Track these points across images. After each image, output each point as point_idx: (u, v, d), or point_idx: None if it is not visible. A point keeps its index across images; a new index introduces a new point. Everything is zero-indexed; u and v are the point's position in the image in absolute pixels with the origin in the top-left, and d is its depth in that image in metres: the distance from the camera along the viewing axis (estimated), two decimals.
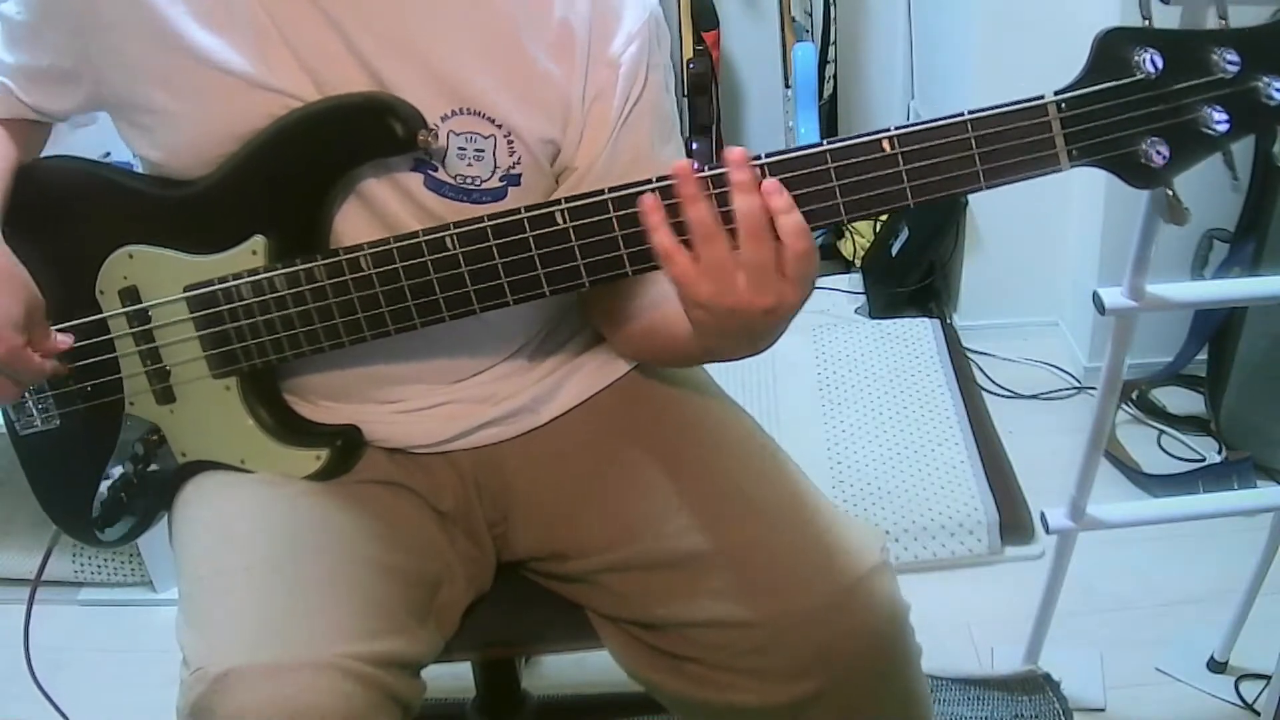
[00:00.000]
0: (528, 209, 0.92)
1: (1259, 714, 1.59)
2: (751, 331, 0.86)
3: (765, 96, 2.96)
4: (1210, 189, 2.05)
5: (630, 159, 1.00)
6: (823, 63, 2.79)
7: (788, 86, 2.81)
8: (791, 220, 0.81)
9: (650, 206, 0.84)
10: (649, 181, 0.88)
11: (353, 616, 0.93)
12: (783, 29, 2.79)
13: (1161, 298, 1.29)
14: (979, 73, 2.33)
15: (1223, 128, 0.80)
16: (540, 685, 1.67)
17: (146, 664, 1.79)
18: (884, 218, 2.70)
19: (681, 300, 0.86)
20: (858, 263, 2.75)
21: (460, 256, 0.94)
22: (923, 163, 0.84)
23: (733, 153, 0.83)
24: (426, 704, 0.98)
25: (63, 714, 1.36)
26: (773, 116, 2.95)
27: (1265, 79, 0.78)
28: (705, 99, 2.73)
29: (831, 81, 2.85)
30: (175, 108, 0.97)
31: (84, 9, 0.97)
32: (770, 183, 0.82)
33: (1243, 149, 1.98)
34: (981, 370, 2.42)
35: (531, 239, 0.92)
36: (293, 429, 1.07)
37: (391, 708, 0.92)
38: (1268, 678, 1.55)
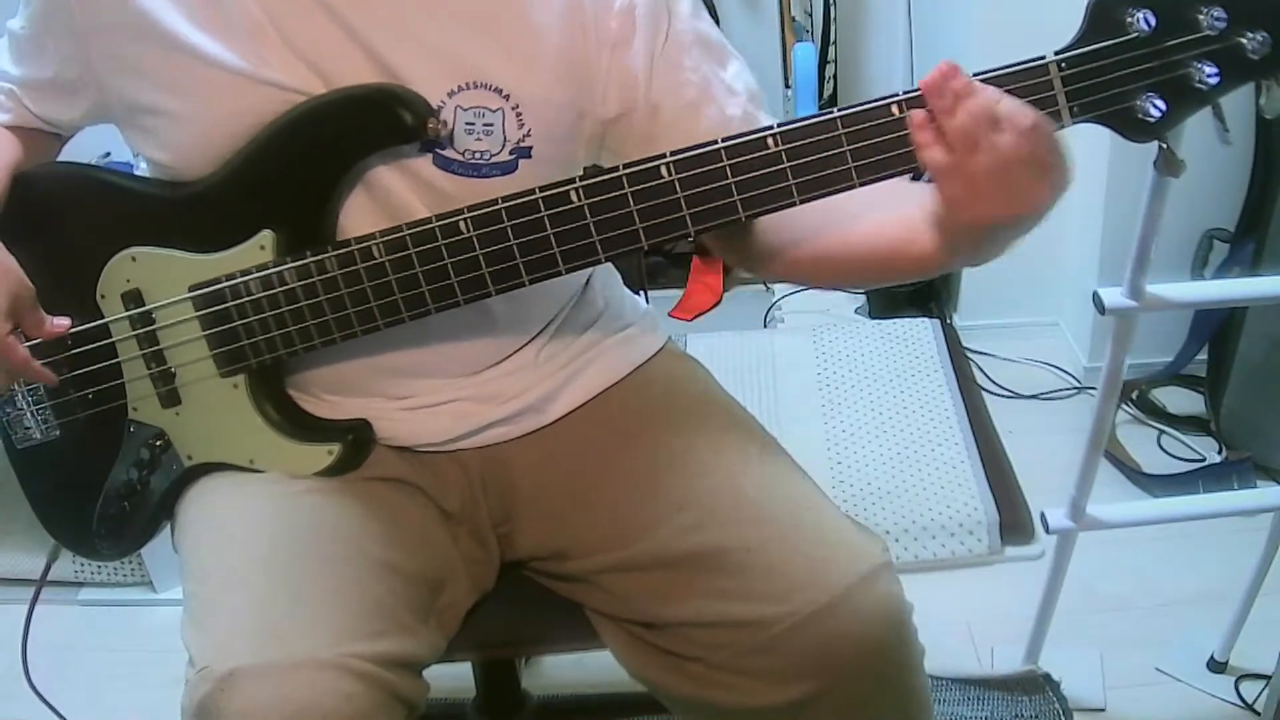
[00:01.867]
0: (542, 189, 0.92)
1: (1259, 714, 1.59)
2: (1024, 230, 0.87)
3: (765, 96, 2.96)
4: (1210, 189, 2.06)
5: (692, 92, 1.00)
6: (823, 63, 2.79)
7: (788, 86, 2.81)
8: (1008, 105, 0.81)
9: (919, 123, 0.84)
10: (662, 156, 0.90)
11: (357, 616, 0.93)
12: (783, 29, 2.78)
13: (1161, 298, 1.29)
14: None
15: (1213, 81, 0.82)
16: (540, 685, 1.67)
17: (146, 664, 1.79)
18: None
19: (962, 226, 0.86)
20: None
21: (475, 239, 0.94)
22: None
23: (945, 66, 0.83)
24: (427, 704, 0.98)
25: (60, 716, 1.36)
26: (773, 116, 2.94)
27: (1249, 34, 0.81)
28: None
29: (831, 81, 2.84)
30: (177, 108, 0.98)
31: (80, 17, 0.98)
32: (975, 83, 0.82)
33: (1243, 147, 2.00)
34: (981, 370, 2.41)
35: (547, 218, 0.93)
36: (303, 425, 1.07)
37: (395, 707, 0.92)
38: (1268, 678, 1.55)
